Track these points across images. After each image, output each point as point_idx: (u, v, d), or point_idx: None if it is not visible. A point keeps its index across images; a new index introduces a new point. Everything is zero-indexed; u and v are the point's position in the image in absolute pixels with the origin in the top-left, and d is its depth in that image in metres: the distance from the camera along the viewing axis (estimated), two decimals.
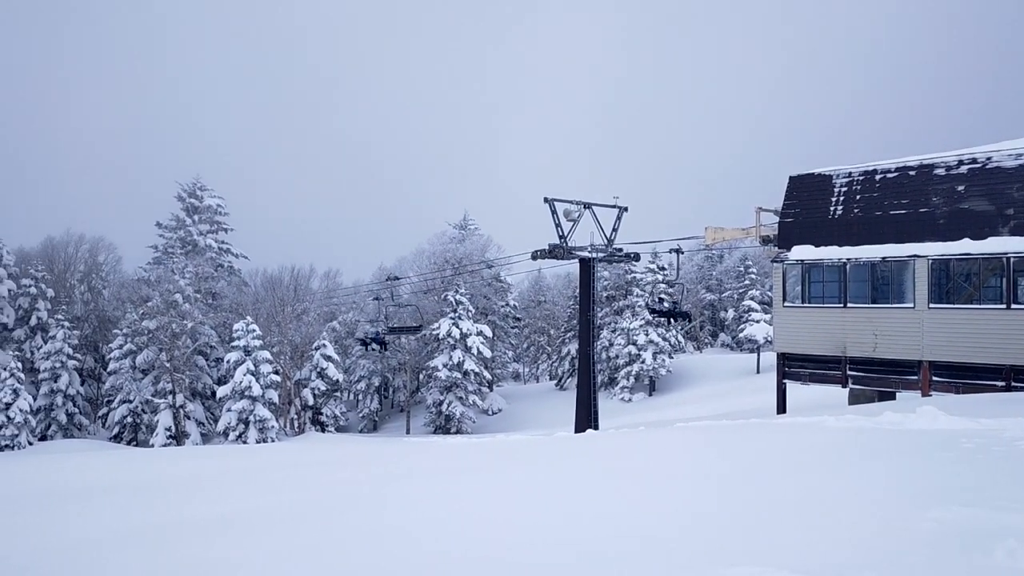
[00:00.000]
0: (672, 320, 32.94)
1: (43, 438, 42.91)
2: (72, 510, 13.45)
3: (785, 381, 21.67)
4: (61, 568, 8.19)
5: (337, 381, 49.10)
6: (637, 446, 14.38)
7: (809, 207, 21.06)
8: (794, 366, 21.38)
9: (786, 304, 21.03)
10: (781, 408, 21.81)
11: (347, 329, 58.80)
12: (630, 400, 49.27)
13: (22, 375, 39.92)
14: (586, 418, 31.26)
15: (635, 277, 55.80)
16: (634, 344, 50.21)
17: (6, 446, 37.46)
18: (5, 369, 39.57)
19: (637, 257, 34.03)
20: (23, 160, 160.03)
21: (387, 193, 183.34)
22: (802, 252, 20.61)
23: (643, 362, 49.30)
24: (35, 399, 42.30)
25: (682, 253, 31.81)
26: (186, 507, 12.70)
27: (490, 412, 51.36)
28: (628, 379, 50.06)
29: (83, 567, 8.10)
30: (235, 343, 41.98)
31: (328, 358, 48.69)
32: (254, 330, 42.37)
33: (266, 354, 42.40)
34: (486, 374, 51.05)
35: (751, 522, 6.45)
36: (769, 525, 6.28)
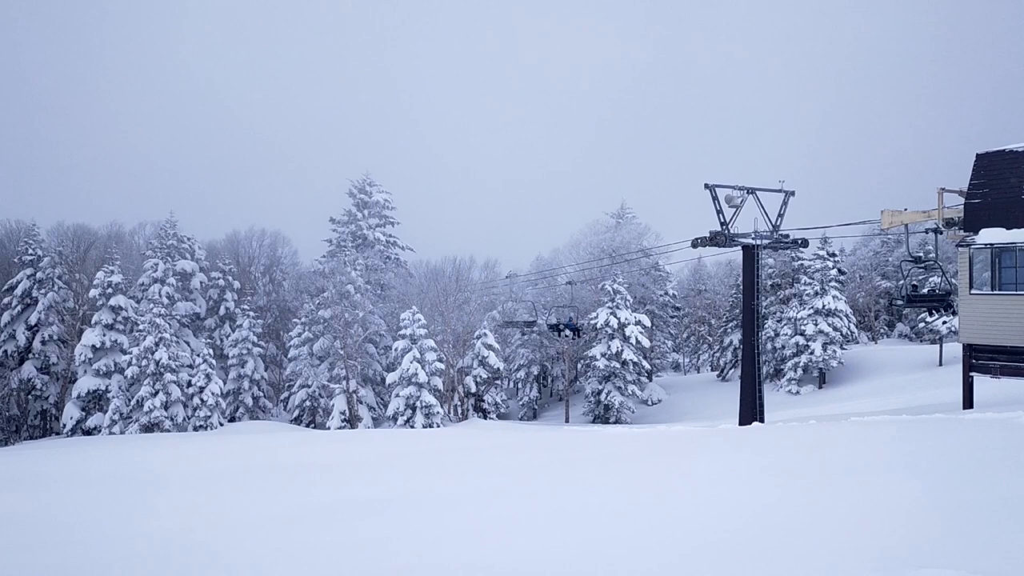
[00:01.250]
0: (935, 311, 29.77)
1: (232, 419, 46.54)
2: (261, 487, 14.54)
3: (972, 374, 20.10)
4: (238, 544, 8.89)
5: (498, 369, 50.23)
6: (810, 440, 13.79)
7: (999, 187, 19.38)
8: (982, 358, 19.78)
9: (973, 292, 19.48)
10: (968, 403, 20.26)
11: (506, 318, 59.98)
12: (798, 393, 47.29)
13: (213, 361, 43.45)
14: (751, 410, 30.32)
15: (803, 264, 53.37)
16: (802, 334, 48.11)
17: (200, 426, 40.96)
18: (199, 356, 43.22)
19: (805, 243, 32.52)
20: (212, 162, 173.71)
21: (540, 185, 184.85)
22: (991, 235, 19.00)
23: (812, 353, 47.14)
24: (224, 383, 45.91)
25: (940, 233, 28.69)
26: (372, 486, 13.41)
27: (649, 402, 50.86)
28: (795, 371, 48.05)
29: (250, 545, 8.76)
30: (402, 332, 43.91)
31: (489, 347, 49.88)
32: (419, 319, 44.11)
33: (431, 342, 44.03)
34: (645, 364, 50.57)
35: (941, 523, 6.05)
36: (965, 526, 5.87)
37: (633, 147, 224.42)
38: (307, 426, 45.98)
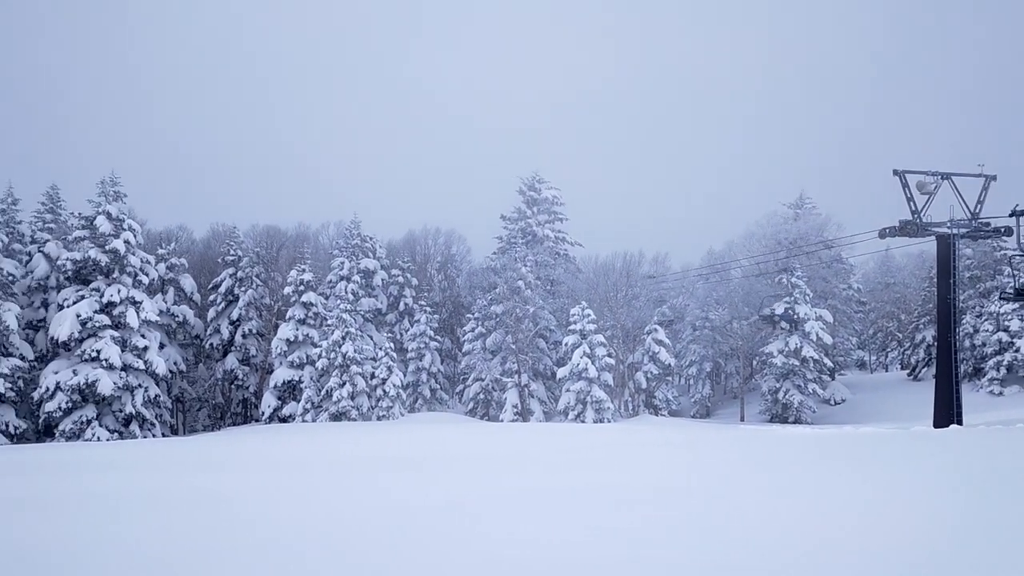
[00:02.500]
0: None
1: (411, 410, 48.69)
2: (436, 476, 15.07)
3: None
4: (400, 531, 9.22)
5: (669, 365, 49.50)
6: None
7: None
8: None
9: None
10: None
11: (676, 313, 58.97)
12: (1000, 394, 43.36)
13: (394, 354, 45.59)
14: (947, 412, 28.17)
15: (1006, 254, 48.82)
16: (1005, 331, 44.07)
17: (383, 416, 43.13)
18: (381, 349, 45.50)
19: (1008, 232, 29.79)
20: (387, 163, 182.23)
21: (709, 176, 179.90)
22: None
23: (1017, 351, 43.07)
24: (404, 375, 48.08)
25: None
26: (553, 477, 13.60)
27: (832, 402, 48.37)
28: (998, 370, 44.07)
29: (404, 532, 9.04)
30: (572, 327, 44.25)
31: (659, 342, 49.27)
32: (589, 315, 44.27)
33: (600, 338, 44.09)
34: (826, 361, 48.13)
35: None
36: None
37: (805, 132, 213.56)
38: (481, 418, 47.30)
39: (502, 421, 44.03)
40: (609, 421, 42.16)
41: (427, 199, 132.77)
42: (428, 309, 52.10)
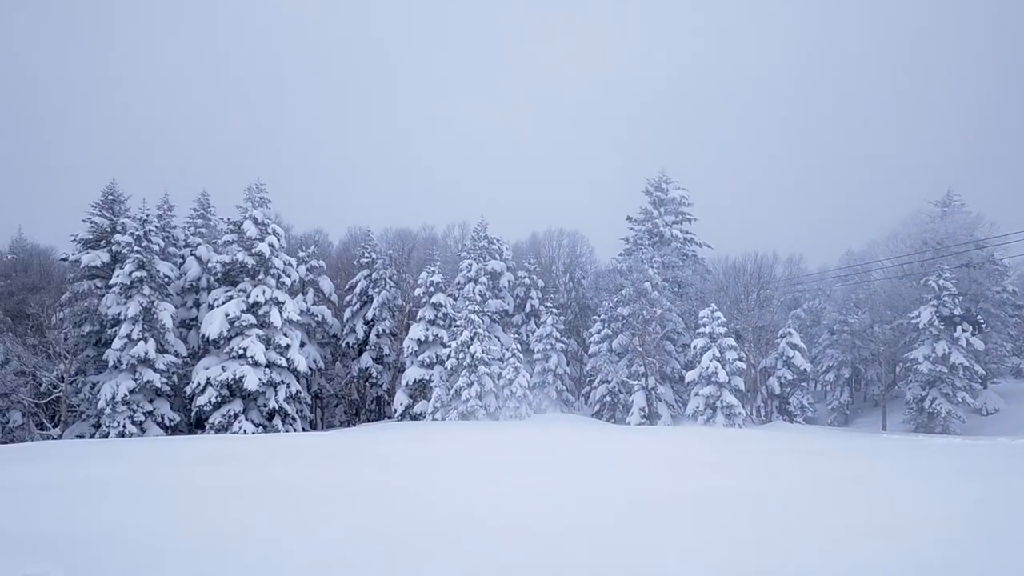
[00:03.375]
0: None
1: (536, 411, 48.94)
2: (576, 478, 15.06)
3: None
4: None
5: (804, 371, 47.68)
6: None
7: None
8: None
9: None
10: None
11: (812, 317, 56.74)
12: None
13: (521, 355, 45.97)
14: None
15: None
16: None
17: (511, 416, 43.57)
18: (508, 350, 45.98)
19: None
20: (510, 165, 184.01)
21: (846, 175, 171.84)
22: None
23: None
24: (531, 376, 48.41)
25: None
26: (685, 483, 13.39)
27: (984, 412, 45.22)
28: None
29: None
30: (700, 330, 43.32)
31: (794, 346, 47.53)
32: (719, 317, 43.22)
33: (731, 341, 42.95)
34: (978, 368, 45.03)
35: None
36: None
37: (949, 127, 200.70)
38: (607, 421, 47.02)
39: (628, 424, 43.62)
40: (740, 427, 41.02)
41: (551, 201, 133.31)
42: (554, 311, 52.29)
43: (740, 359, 43.56)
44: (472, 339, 43.79)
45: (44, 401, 43.29)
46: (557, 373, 51.01)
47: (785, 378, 47.35)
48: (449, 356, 44.12)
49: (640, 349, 46.50)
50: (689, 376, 43.39)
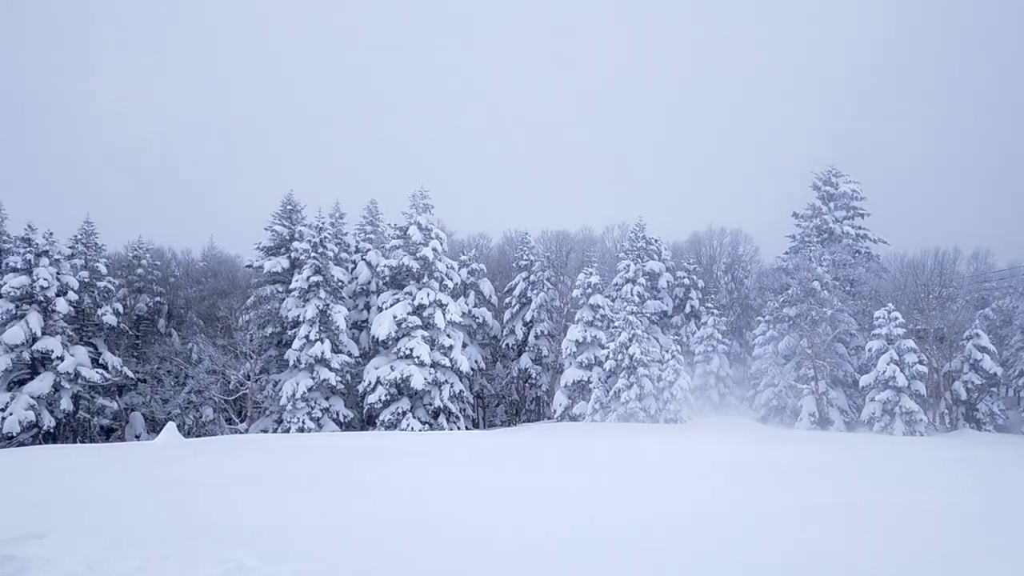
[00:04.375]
0: None
1: (698, 414, 47.85)
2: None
3: None
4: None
5: (994, 375, 43.91)
6: None
7: None
8: None
9: None
10: None
11: (1002, 317, 52.14)
12: None
13: (681, 357, 45.14)
14: None
15: None
16: None
17: (671, 419, 42.87)
18: (667, 352, 45.28)
19: None
20: (668, 163, 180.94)
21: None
22: None
23: None
24: (691, 379, 47.41)
25: None
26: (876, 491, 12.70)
27: None
28: None
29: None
30: (876, 331, 40.90)
31: (982, 348, 43.87)
32: (896, 317, 40.64)
33: (910, 343, 40.28)
34: None
35: None
36: None
37: None
38: (774, 426, 45.26)
39: (797, 429, 41.78)
40: (921, 434, 38.36)
41: (710, 198, 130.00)
42: (715, 311, 50.97)
43: (921, 362, 40.76)
44: (631, 341, 43.45)
45: (232, 397, 46.90)
46: (719, 376, 49.69)
47: (972, 383, 43.80)
48: (607, 358, 44.00)
49: (809, 351, 44.45)
50: (864, 380, 41.04)
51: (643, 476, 16.17)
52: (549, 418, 50.80)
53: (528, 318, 52.64)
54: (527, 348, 52.80)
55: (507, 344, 53.74)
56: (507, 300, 54.41)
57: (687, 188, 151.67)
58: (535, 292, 52.80)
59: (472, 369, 48.21)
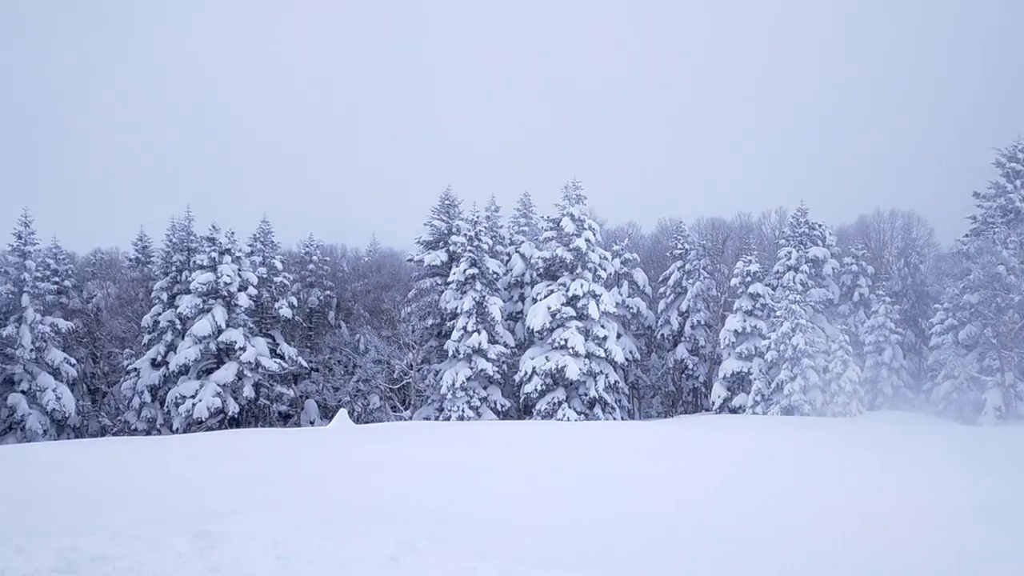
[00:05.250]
0: None
1: (869, 408, 45.36)
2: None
3: None
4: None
5: None
6: None
7: None
8: None
9: None
10: None
11: None
12: None
13: (849, 347, 42.94)
14: None
15: None
16: None
17: (838, 413, 40.91)
18: (834, 342, 43.19)
19: None
20: (828, 145, 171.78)
21: None
22: None
23: None
24: (861, 370, 45.00)
25: None
26: None
27: None
28: None
29: None
30: None
31: None
32: None
33: None
34: None
35: None
36: None
37: None
38: (953, 420, 42.21)
39: (982, 425, 38.77)
40: None
41: (877, 181, 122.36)
42: (887, 299, 48.04)
43: None
44: (793, 330, 41.79)
45: (397, 386, 49.00)
46: (892, 367, 46.85)
47: None
48: (769, 348, 42.53)
49: (994, 341, 41.09)
50: None
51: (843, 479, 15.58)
52: (707, 410, 49.76)
53: (684, 308, 51.71)
54: (683, 338, 51.89)
55: (662, 334, 53.03)
56: (661, 290, 53.65)
57: (851, 172, 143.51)
58: (690, 281, 51.77)
59: (627, 359, 47.93)
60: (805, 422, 35.56)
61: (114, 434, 43.66)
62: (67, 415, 40.12)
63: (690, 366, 51.42)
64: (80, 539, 9.73)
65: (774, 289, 47.91)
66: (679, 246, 53.26)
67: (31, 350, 39.09)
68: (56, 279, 46.96)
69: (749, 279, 46.45)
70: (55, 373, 40.66)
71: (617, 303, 48.05)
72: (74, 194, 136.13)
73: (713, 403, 45.72)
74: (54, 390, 39.58)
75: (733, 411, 44.49)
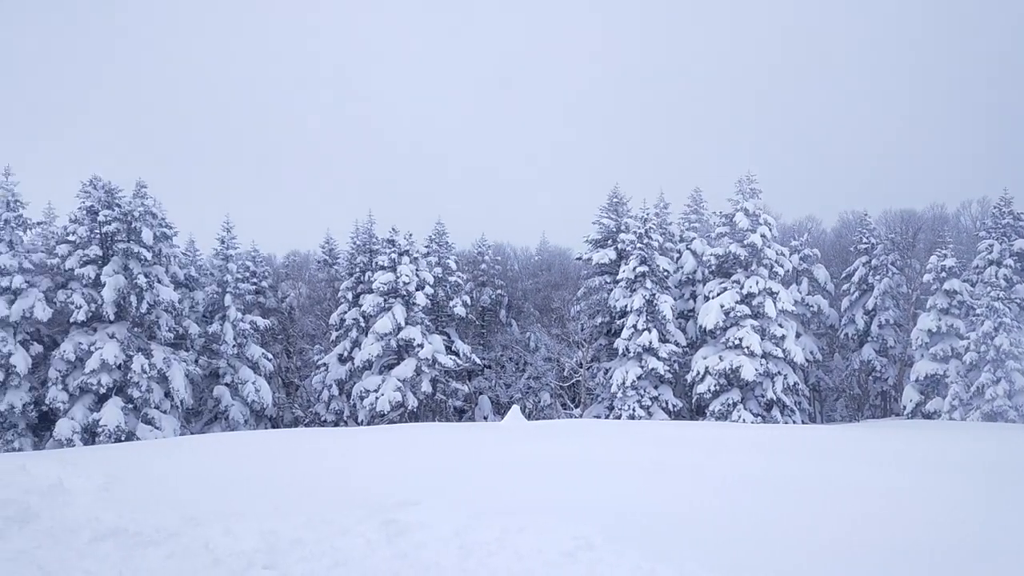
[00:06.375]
0: None
1: None
2: None
3: None
4: None
5: None
6: None
7: None
8: None
9: None
10: None
11: None
12: None
13: None
14: None
15: None
16: None
17: None
18: None
19: None
20: None
21: None
22: None
23: None
24: None
25: None
26: None
27: None
28: None
29: None
30: None
31: None
32: None
33: None
34: None
35: None
36: None
37: None
38: None
39: None
40: None
41: None
42: None
43: None
44: (996, 330, 38.26)
45: (567, 384, 49.32)
46: None
47: None
48: (968, 349, 39.16)
49: None
50: None
51: None
52: (897, 415, 46.63)
53: (870, 306, 48.68)
54: (869, 338, 48.86)
55: (845, 334, 50.19)
56: (844, 287, 50.78)
57: None
58: (877, 277, 48.65)
59: (807, 360, 45.75)
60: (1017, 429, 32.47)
61: (305, 425, 46.83)
62: (265, 406, 43.37)
63: (878, 368, 48.39)
64: (279, 523, 10.49)
65: (973, 285, 44.14)
66: (864, 240, 50.25)
67: (233, 346, 42.54)
68: (254, 280, 50.83)
69: (944, 275, 43.05)
70: (254, 367, 44.05)
71: (796, 301, 45.98)
72: (272, 201, 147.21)
73: (904, 407, 42.73)
74: (253, 383, 42.88)
75: (927, 416, 41.40)
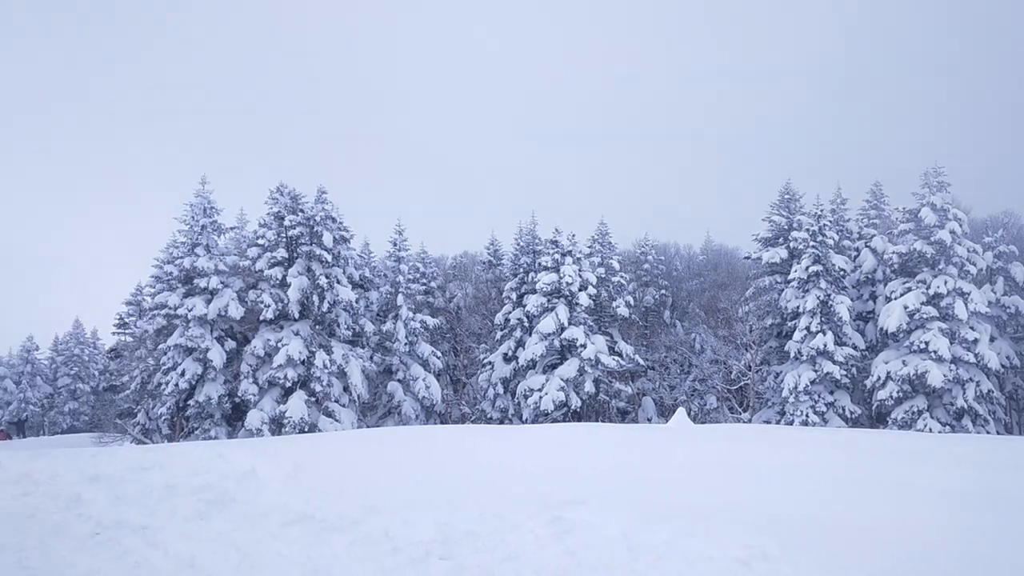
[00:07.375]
0: None
1: None
2: None
3: None
4: None
5: None
6: None
7: None
8: None
9: None
10: None
11: None
12: None
13: None
14: None
15: None
16: None
17: None
18: None
19: None
20: None
21: None
22: None
23: None
24: None
25: None
26: None
27: None
28: None
29: None
30: None
31: None
32: None
33: None
34: None
35: None
36: None
37: None
38: None
39: None
40: None
41: None
42: None
43: None
44: None
45: (734, 387, 47.82)
46: None
47: None
48: None
49: None
50: None
51: None
52: None
53: None
54: None
55: None
56: None
57: None
58: None
59: (1003, 366, 41.96)
60: None
61: (472, 421, 48.10)
62: (434, 402, 44.93)
63: None
64: (453, 515, 10.81)
65: None
66: None
67: (405, 343, 44.36)
68: (424, 281, 52.77)
69: None
70: (424, 364, 45.74)
71: (990, 302, 42.30)
72: (438, 203, 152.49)
73: None
74: (423, 380, 44.54)
75: None
